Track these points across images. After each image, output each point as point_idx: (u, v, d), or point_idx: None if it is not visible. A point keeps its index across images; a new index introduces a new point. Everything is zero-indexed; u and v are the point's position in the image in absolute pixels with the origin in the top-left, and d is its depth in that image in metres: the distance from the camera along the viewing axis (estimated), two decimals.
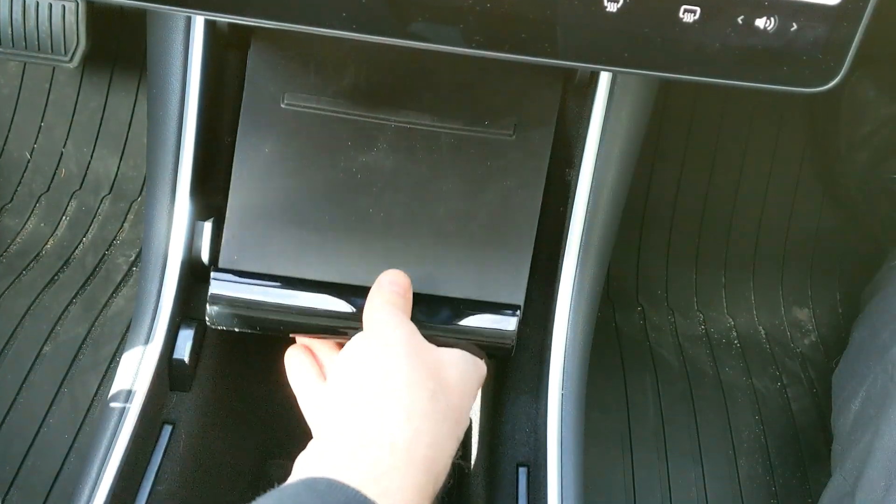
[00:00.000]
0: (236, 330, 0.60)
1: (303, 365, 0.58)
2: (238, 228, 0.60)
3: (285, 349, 0.59)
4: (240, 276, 0.59)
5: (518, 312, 0.60)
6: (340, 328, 0.59)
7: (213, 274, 0.59)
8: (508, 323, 0.59)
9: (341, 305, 0.58)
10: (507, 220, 0.60)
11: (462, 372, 0.52)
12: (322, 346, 0.59)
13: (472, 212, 0.60)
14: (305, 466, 0.45)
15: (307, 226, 0.60)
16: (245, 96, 0.60)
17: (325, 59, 0.60)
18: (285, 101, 0.60)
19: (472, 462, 0.69)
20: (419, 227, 0.60)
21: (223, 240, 0.60)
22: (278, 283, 0.59)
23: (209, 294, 0.58)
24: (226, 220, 0.60)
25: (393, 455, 0.43)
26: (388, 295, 0.55)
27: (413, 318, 0.54)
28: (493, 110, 0.60)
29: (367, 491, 0.40)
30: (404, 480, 0.42)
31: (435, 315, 0.59)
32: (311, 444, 0.47)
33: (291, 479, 0.43)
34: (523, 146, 0.61)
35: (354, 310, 0.58)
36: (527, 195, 0.61)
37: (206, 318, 0.59)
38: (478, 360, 0.54)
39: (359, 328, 0.53)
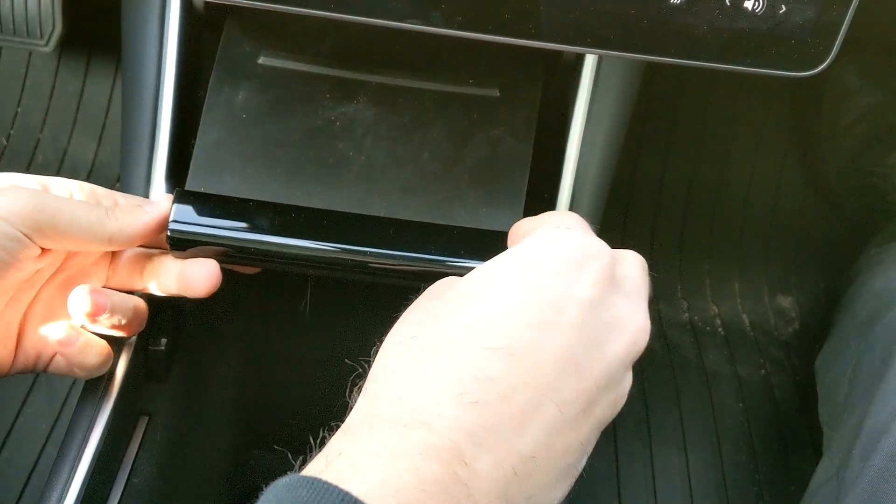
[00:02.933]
0: (200, 254, 0.53)
1: None
2: (205, 159, 0.55)
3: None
4: (208, 198, 0.53)
5: None
6: (308, 256, 0.52)
7: (176, 192, 0.53)
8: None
9: (314, 230, 0.53)
10: (497, 162, 0.57)
11: (484, 278, 0.37)
12: None
13: (460, 157, 0.57)
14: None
15: (281, 162, 0.55)
16: (219, 53, 0.57)
17: (304, 19, 0.57)
18: (262, 60, 0.57)
19: None
20: (403, 167, 0.56)
21: (191, 166, 0.55)
22: (249, 204, 0.53)
23: (171, 211, 0.51)
24: (194, 150, 0.55)
25: (358, 423, 0.34)
26: None
27: (399, 248, 0.51)
28: (477, 70, 0.59)
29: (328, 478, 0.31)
30: (368, 451, 0.32)
31: (425, 244, 0.54)
32: None
33: None
34: (511, 102, 0.58)
35: (333, 235, 0.53)
36: (517, 141, 0.58)
37: (167, 239, 0.52)
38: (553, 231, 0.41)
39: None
